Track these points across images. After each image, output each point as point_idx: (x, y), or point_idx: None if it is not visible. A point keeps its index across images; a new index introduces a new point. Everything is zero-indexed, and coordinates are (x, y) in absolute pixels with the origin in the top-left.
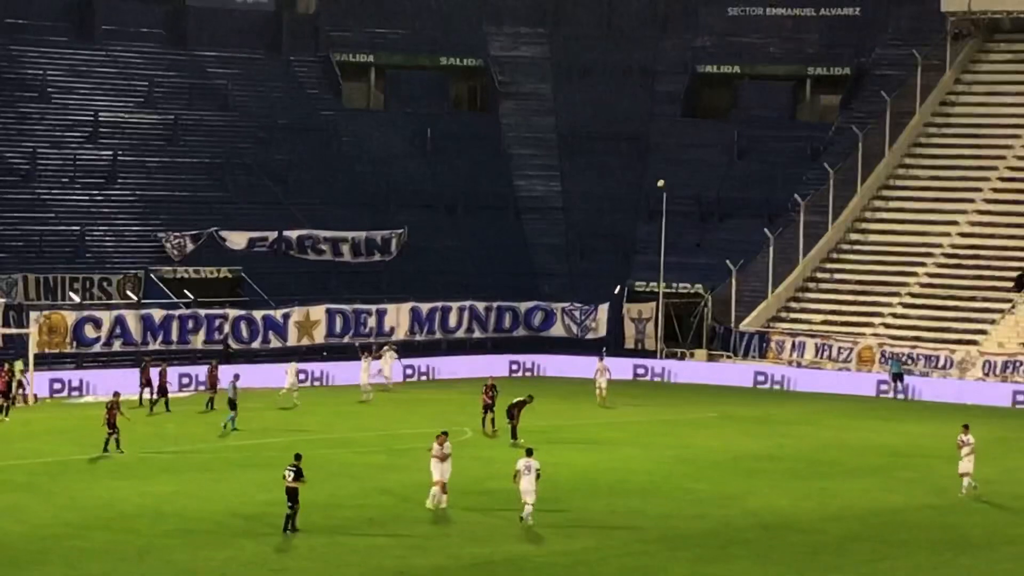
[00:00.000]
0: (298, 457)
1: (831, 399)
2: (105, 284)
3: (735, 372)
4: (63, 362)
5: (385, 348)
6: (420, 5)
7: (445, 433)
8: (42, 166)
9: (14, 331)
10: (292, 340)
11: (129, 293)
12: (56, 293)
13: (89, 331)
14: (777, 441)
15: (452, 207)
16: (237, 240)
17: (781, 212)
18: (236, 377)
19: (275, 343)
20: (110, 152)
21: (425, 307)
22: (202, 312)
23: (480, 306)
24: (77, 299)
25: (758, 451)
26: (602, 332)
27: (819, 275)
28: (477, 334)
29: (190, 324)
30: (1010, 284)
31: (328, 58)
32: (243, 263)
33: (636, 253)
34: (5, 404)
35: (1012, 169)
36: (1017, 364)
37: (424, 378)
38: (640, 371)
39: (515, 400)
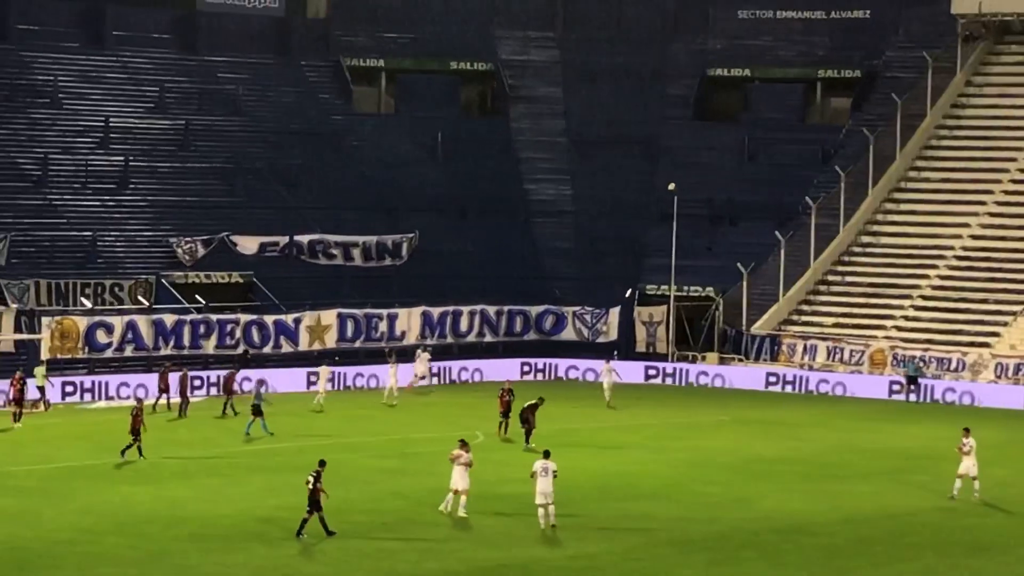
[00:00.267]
0: (322, 464)
1: (843, 402)
2: (117, 289)
3: (747, 375)
4: (75, 367)
5: (420, 350)
6: (430, 9)
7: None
8: (53, 172)
9: (26, 337)
10: (304, 345)
11: (141, 298)
12: (68, 298)
13: (101, 336)
14: (789, 444)
15: (463, 211)
16: (248, 245)
17: (792, 215)
18: (260, 383)
19: (286, 348)
20: (121, 157)
21: (436, 311)
22: (214, 317)
23: (491, 310)
24: (89, 304)
25: (770, 454)
26: (613, 336)
27: (830, 278)
28: (488, 338)
29: (202, 329)
30: (1022, 286)
31: (338, 63)
32: (254, 268)
33: (647, 256)
34: (19, 410)
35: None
36: None
37: (436, 381)
38: (652, 372)
39: (526, 404)
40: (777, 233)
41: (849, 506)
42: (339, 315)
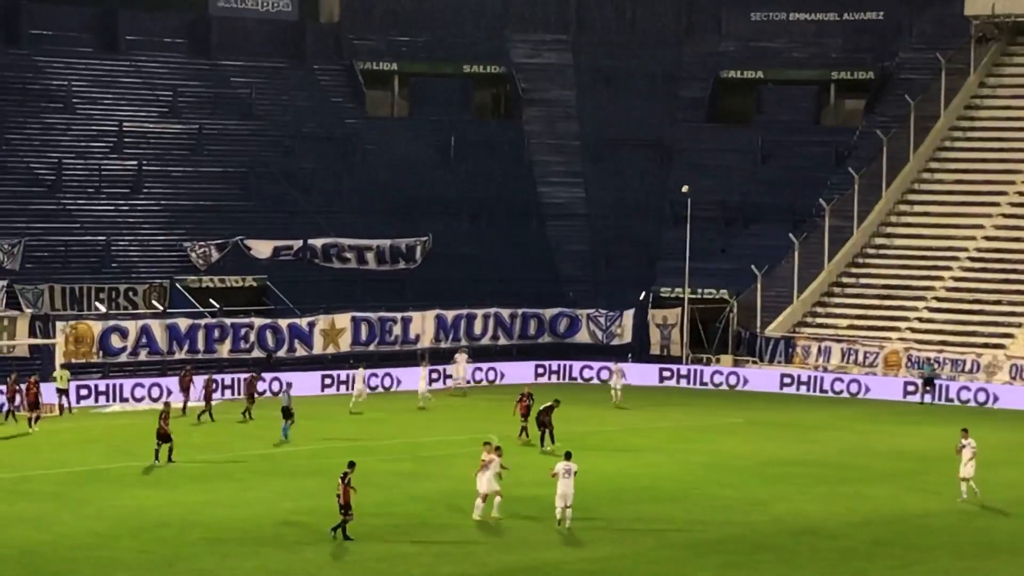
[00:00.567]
0: (351, 465)
1: (858, 403)
2: (131, 294)
3: (761, 377)
4: (89, 372)
5: (458, 353)
6: (443, 13)
7: (489, 444)
8: (67, 176)
9: (40, 341)
10: (318, 348)
11: (155, 303)
12: (82, 303)
13: (115, 341)
14: (804, 446)
15: (476, 214)
16: (262, 249)
17: (806, 217)
18: (289, 386)
19: (301, 351)
20: (135, 162)
21: (450, 314)
22: (228, 321)
23: (505, 313)
24: (103, 309)
25: (785, 456)
26: (627, 338)
27: (844, 280)
28: (502, 341)
29: (216, 333)
30: None
31: (351, 66)
32: (268, 272)
33: (661, 259)
34: (35, 415)
35: None
36: None
37: (449, 382)
38: (666, 374)
39: (542, 407)
40: (791, 235)
41: (864, 508)
42: (353, 319)
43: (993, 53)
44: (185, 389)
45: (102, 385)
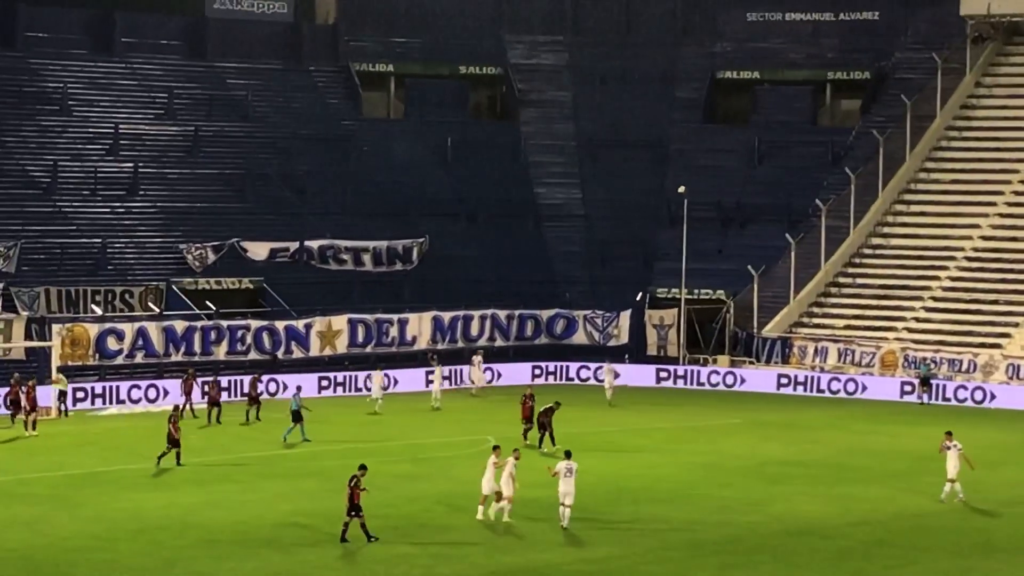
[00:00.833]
0: (363, 468)
1: (855, 403)
2: (127, 296)
3: (758, 377)
4: (85, 374)
5: (474, 355)
6: (439, 14)
7: (498, 447)
8: (63, 179)
9: (37, 344)
10: (314, 350)
11: (151, 305)
12: (78, 306)
13: (111, 343)
14: (802, 446)
15: (473, 215)
16: (258, 251)
17: (802, 217)
18: (299, 389)
19: (297, 353)
20: (131, 164)
21: (447, 316)
22: (224, 323)
23: (502, 314)
24: (99, 311)
25: (783, 457)
26: (624, 339)
27: (841, 280)
28: (499, 342)
29: (212, 335)
30: None
31: (348, 68)
32: (264, 274)
33: (657, 259)
34: (33, 418)
35: None
36: None
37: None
38: (663, 375)
39: (543, 408)
40: (787, 235)
41: (862, 508)
42: (350, 320)
43: (989, 53)
44: (188, 393)
45: (98, 388)
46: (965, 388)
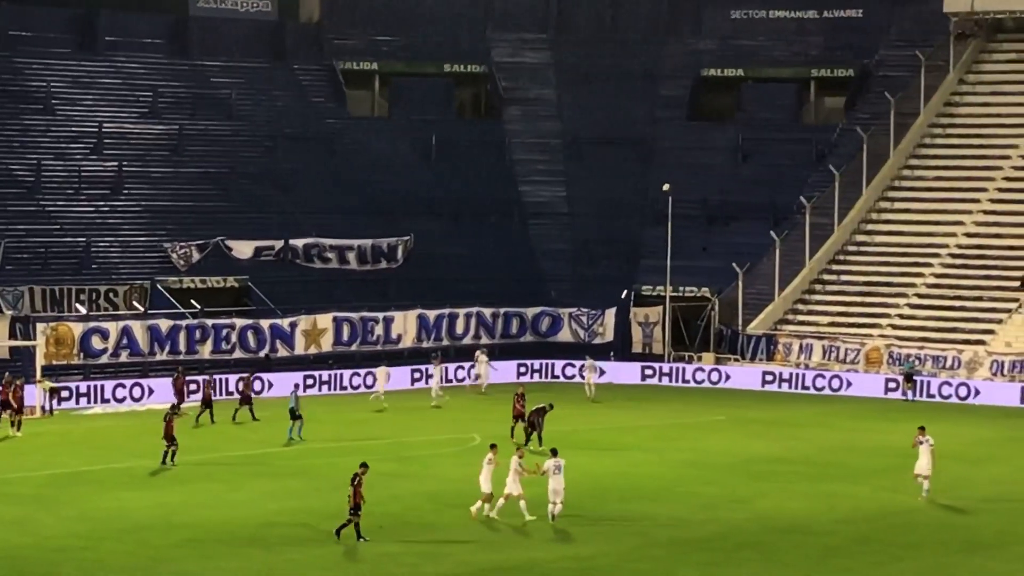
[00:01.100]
0: (364, 466)
1: (840, 400)
2: (111, 295)
3: (743, 374)
4: (70, 373)
5: (479, 352)
6: (423, 12)
7: (495, 446)
8: (47, 178)
9: (21, 343)
10: (299, 349)
11: (136, 304)
12: (62, 304)
13: (96, 342)
14: (787, 443)
15: (458, 214)
16: (243, 249)
17: (787, 214)
18: (296, 387)
19: (282, 352)
20: (115, 163)
21: (432, 314)
22: (209, 322)
23: (487, 312)
24: (83, 310)
25: (768, 454)
26: (609, 337)
27: (825, 277)
28: (484, 340)
29: (197, 334)
30: (1016, 283)
31: (332, 66)
32: (249, 272)
33: (642, 257)
34: (18, 418)
35: (1017, 168)
36: None
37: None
38: (648, 372)
39: (535, 407)
40: (772, 233)
41: (847, 505)
42: (335, 319)
43: (972, 50)
44: (179, 391)
45: (83, 387)
46: (949, 384)
